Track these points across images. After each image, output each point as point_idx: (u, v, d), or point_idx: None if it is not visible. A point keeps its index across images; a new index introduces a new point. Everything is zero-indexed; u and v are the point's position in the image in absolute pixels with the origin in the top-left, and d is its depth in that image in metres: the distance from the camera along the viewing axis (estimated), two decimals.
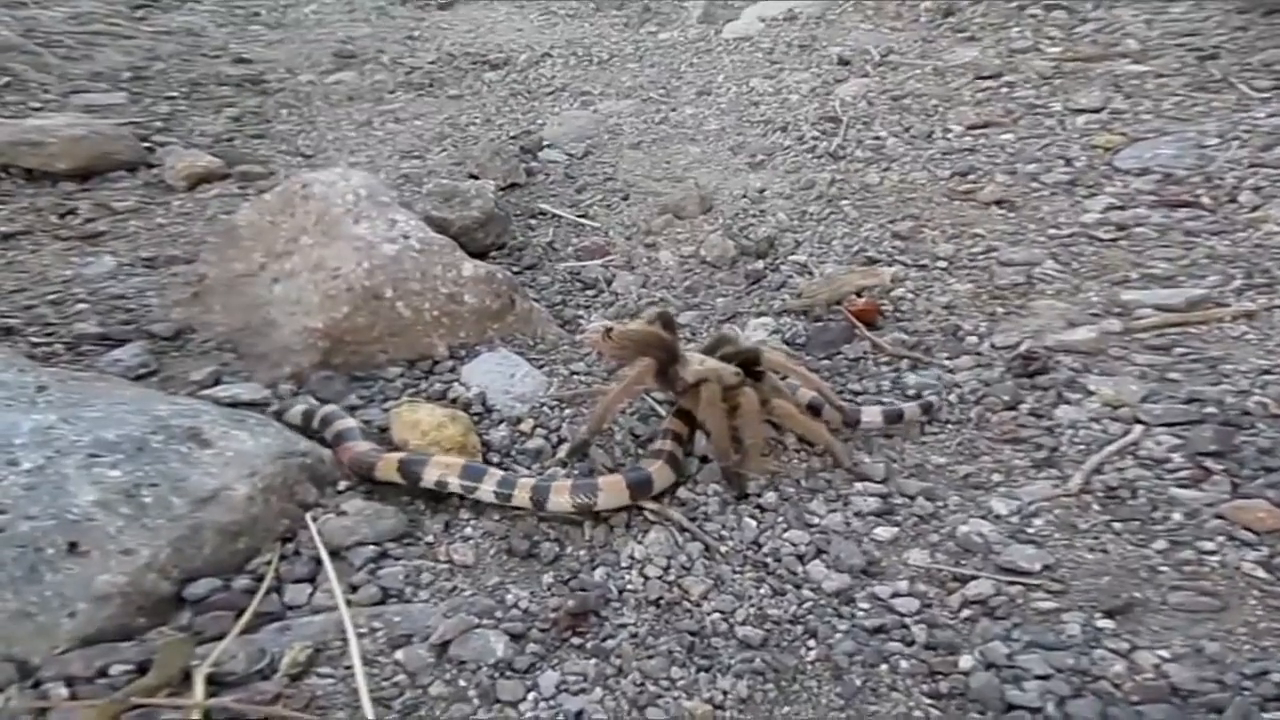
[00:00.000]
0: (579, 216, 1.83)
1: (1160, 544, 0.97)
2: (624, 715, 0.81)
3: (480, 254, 1.66)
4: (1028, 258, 1.54)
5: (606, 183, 1.98)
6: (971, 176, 1.86)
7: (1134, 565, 0.95)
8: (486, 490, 1.04)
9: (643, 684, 0.85)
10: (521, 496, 1.03)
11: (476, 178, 1.94)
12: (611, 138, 2.21)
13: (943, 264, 1.56)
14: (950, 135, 2.05)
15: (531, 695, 0.82)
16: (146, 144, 2.14)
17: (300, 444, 1.07)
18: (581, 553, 1.02)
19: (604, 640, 0.90)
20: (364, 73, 2.80)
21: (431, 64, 2.82)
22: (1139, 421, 1.14)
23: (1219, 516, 0.99)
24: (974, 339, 1.35)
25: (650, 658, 0.88)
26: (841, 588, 0.96)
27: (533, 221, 1.83)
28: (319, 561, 0.96)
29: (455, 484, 1.05)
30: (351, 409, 1.23)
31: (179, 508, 0.91)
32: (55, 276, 1.59)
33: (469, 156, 2.04)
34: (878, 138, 2.09)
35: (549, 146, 2.14)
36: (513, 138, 2.18)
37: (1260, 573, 0.92)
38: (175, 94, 2.53)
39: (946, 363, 1.31)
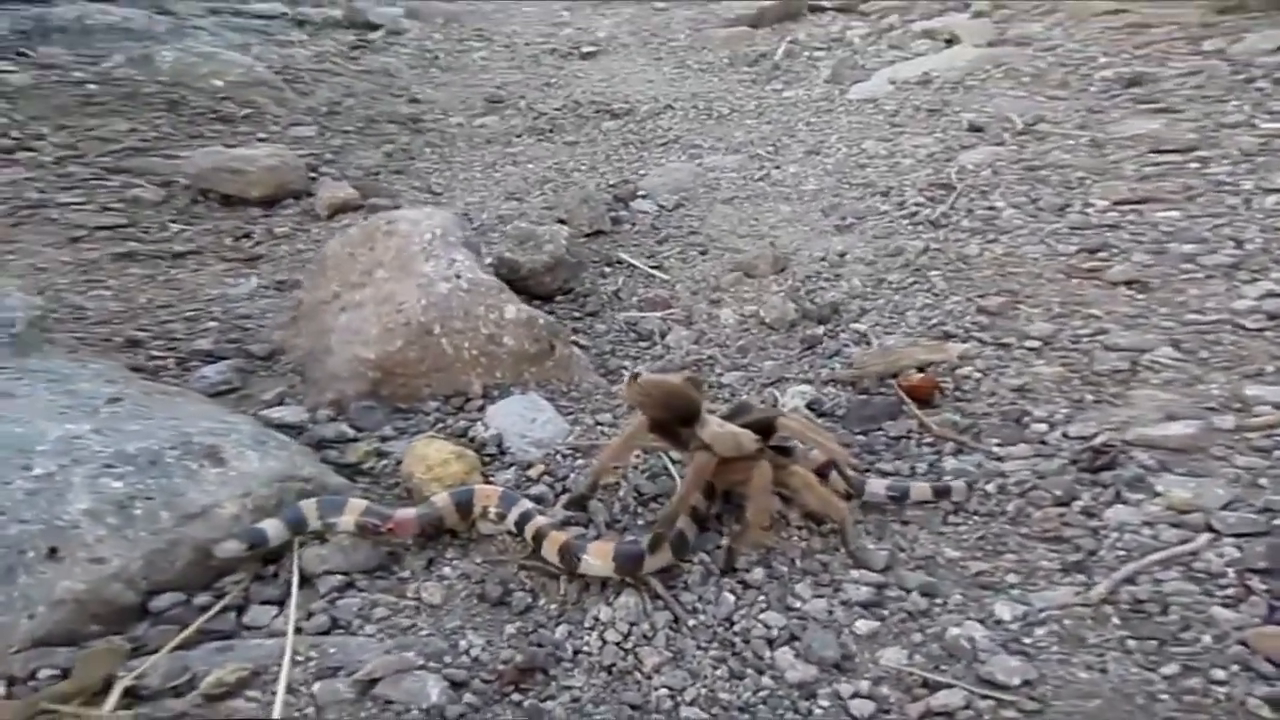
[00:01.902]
0: (652, 268, 1.84)
1: (1171, 668, 0.87)
2: None
3: (546, 297, 1.71)
4: (1140, 343, 1.41)
5: (690, 236, 1.98)
6: (1102, 254, 1.72)
7: (1131, 690, 0.85)
8: (512, 517, 1.06)
9: None
10: (529, 533, 1.04)
11: (564, 223, 1.98)
12: (707, 191, 2.21)
13: (1033, 344, 1.45)
14: (1090, 210, 1.91)
15: None
16: (313, 174, 2.31)
17: (305, 469, 1.10)
18: (553, 607, 1.01)
19: (544, 700, 0.88)
20: (504, 117, 2.93)
21: (557, 110, 2.92)
22: (1210, 529, 1.02)
23: (1242, 643, 0.88)
24: (1042, 426, 1.25)
25: None
26: (805, 680, 0.91)
27: (607, 269, 1.85)
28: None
29: (492, 511, 1.07)
30: (384, 439, 1.27)
31: (165, 521, 0.96)
32: (204, 295, 1.73)
33: (562, 202, 2.08)
34: (993, 208, 1.98)
35: (643, 196, 2.17)
36: (611, 185, 2.22)
37: (1266, 711, 0.81)
38: (351, 129, 2.73)
39: (996, 449, 1.22)
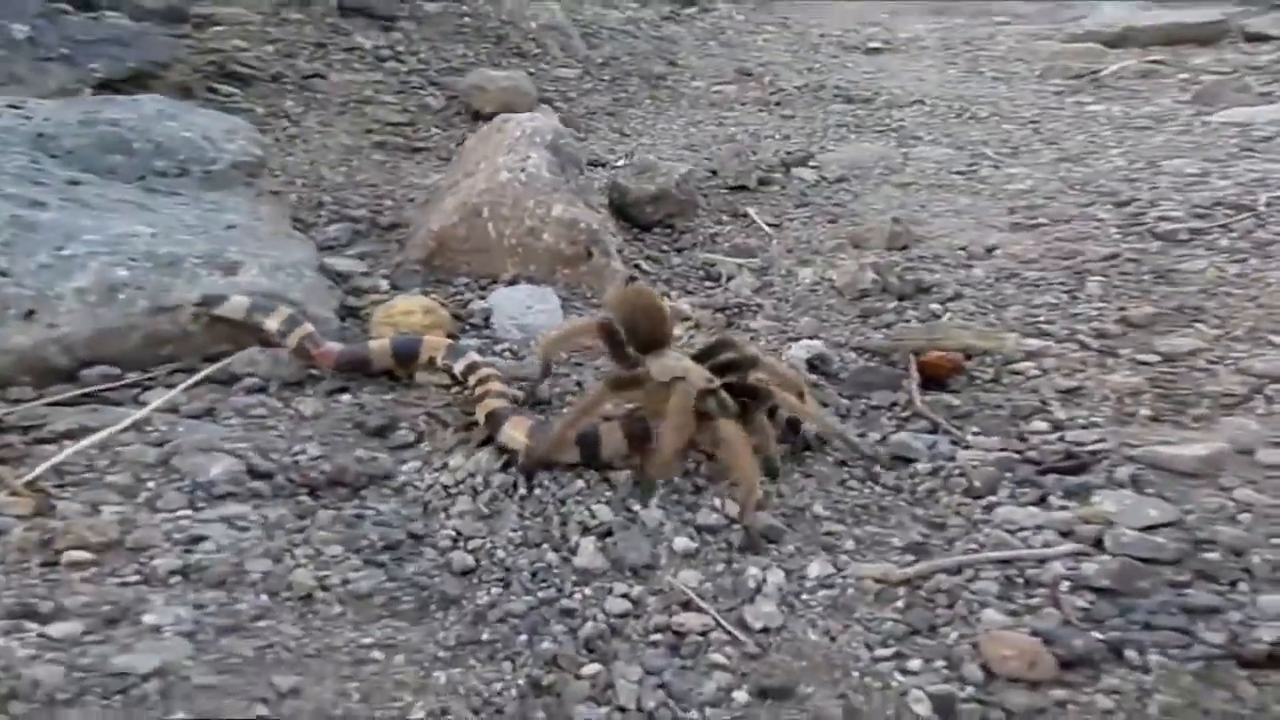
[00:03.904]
0: (769, 224, 1.78)
1: (885, 650, 0.78)
2: (242, 561, 0.83)
3: (646, 226, 1.74)
4: None
5: (834, 207, 1.89)
6: None
7: (840, 663, 0.78)
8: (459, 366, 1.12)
9: (316, 555, 0.85)
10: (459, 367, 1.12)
11: (714, 173, 1.99)
12: (884, 174, 2.07)
13: (1149, 358, 1.25)
14: None
15: (186, 510, 0.88)
16: (543, 103, 2.50)
17: (294, 294, 1.22)
18: (427, 448, 1.04)
19: (330, 509, 0.92)
20: (744, 88, 2.95)
21: (797, 89, 2.88)
22: (1098, 545, 0.87)
23: (973, 643, 0.78)
24: (1044, 425, 1.09)
25: (344, 542, 0.88)
26: (590, 569, 0.88)
27: (725, 218, 1.83)
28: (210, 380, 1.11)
29: (440, 361, 1.14)
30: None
31: (137, 308, 1.12)
32: (405, 182, 1.93)
33: (718, 154, 2.08)
34: None
35: (812, 167, 2.09)
36: (788, 153, 2.16)
37: (923, 707, 0.72)
38: (606, 78, 2.90)
39: (970, 437, 1.08)
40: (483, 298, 1.37)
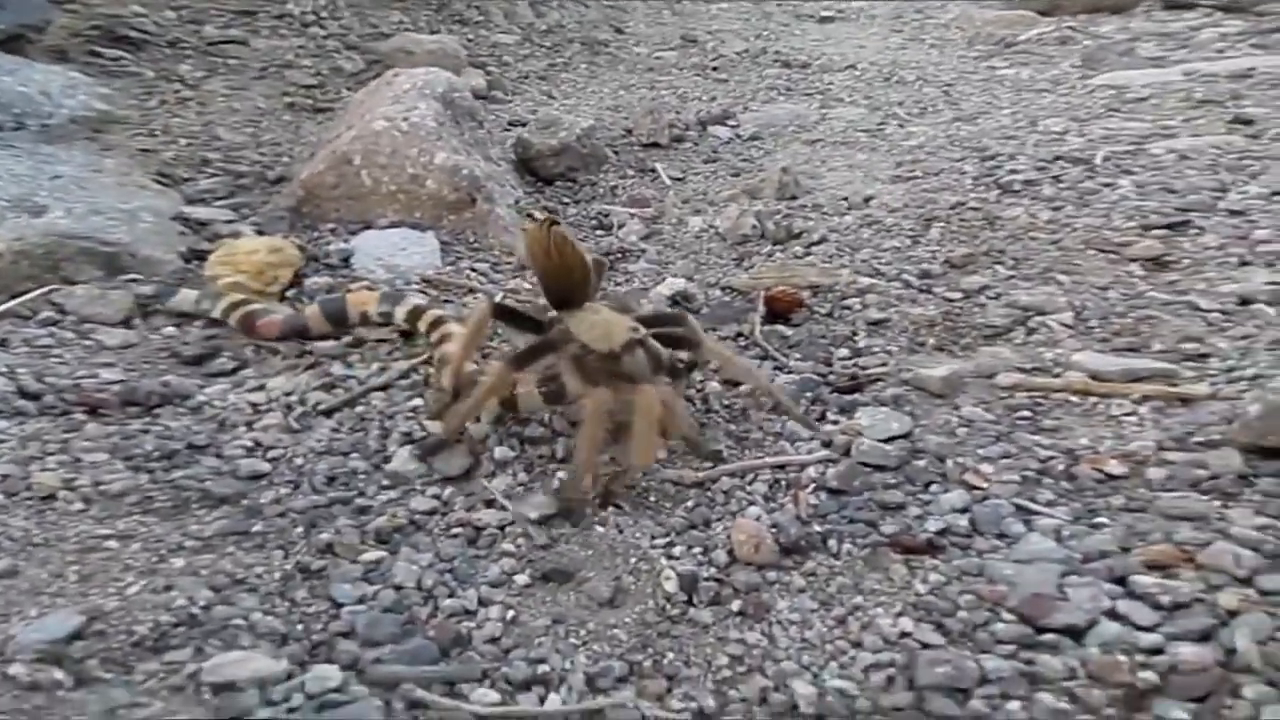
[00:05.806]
0: (674, 178, 1.81)
1: (662, 540, 0.85)
2: None
3: (548, 180, 1.77)
4: (1045, 305, 1.25)
5: (741, 161, 1.92)
6: (1158, 231, 1.46)
7: (621, 551, 0.84)
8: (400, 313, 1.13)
9: (74, 462, 0.89)
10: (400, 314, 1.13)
11: (630, 131, 2.02)
12: (796, 132, 2.10)
13: (953, 295, 1.31)
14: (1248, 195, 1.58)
15: None
16: (473, 66, 2.51)
17: (115, 235, 1.26)
18: (251, 372, 1.07)
19: (110, 425, 0.96)
20: (685, 54, 2.96)
21: (737, 54, 2.90)
22: (847, 454, 0.95)
23: (729, 534, 0.85)
24: (845, 352, 1.17)
25: (112, 451, 0.92)
26: (401, 472, 0.92)
27: (631, 173, 1.85)
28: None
29: (374, 313, 1.15)
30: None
31: None
32: (307, 140, 1.95)
33: (633, 114, 2.11)
34: (1112, 184, 1.68)
35: (729, 125, 2.12)
36: (708, 113, 2.19)
37: (673, 585, 0.80)
38: (546, 45, 2.89)
39: (792, 363, 1.14)
40: (346, 241, 1.39)
